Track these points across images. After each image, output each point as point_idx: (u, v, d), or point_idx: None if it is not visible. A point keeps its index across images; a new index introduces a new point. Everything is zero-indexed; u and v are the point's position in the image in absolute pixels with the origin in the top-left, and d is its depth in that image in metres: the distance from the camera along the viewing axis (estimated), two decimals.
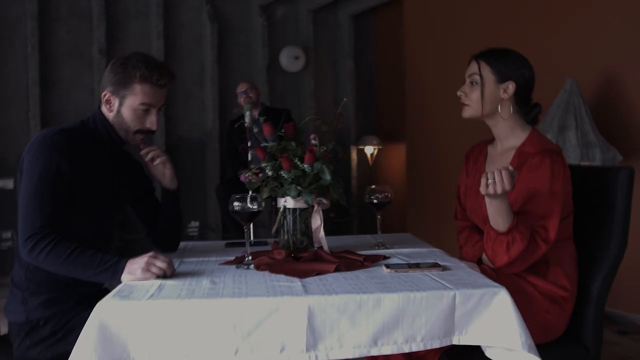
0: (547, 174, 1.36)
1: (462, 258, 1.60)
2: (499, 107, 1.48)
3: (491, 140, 1.61)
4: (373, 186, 1.64)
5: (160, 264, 1.24)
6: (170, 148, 4.50)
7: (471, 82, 1.50)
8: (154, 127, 1.46)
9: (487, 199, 1.34)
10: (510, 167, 1.30)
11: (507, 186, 1.28)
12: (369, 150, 4.96)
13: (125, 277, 1.24)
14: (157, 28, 4.39)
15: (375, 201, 1.63)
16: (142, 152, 1.52)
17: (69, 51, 4.21)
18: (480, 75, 1.48)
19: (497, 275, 1.39)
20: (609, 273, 1.43)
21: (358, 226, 5.05)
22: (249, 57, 4.77)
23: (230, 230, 4.44)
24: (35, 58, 4.02)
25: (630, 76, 2.73)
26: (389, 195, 1.62)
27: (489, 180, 1.29)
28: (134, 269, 1.24)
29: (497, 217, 1.34)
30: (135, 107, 1.42)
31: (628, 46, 2.74)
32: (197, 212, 4.59)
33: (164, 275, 1.24)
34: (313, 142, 1.45)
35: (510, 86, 1.47)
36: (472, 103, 1.49)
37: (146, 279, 1.23)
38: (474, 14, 3.62)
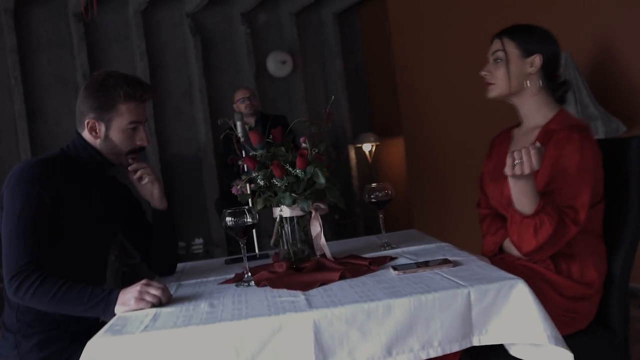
0: (576, 149, 1.28)
1: (483, 247, 1.52)
2: (526, 82, 1.40)
3: (517, 124, 1.54)
4: (373, 185, 1.56)
5: (155, 291, 1.17)
6: (165, 166, 4.44)
7: (495, 60, 1.43)
8: (145, 143, 1.41)
9: (511, 181, 1.26)
10: (537, 144, 1.22)
11: (535, 165, 1.20)
12: (367, 147, 4.89)
13: (118, 309, 1.17)
14: (140, 48, 4.33)
15: (374, 200, 1.56)
16: (131, 168, 1.45)
17: (53, 80, 4.16)
18: (505, 51, 1.41)
19: (516, 269, 1.30)
20: (630, 251, 1.35)
21: (364, 226, 4.97)
22: (235, 66, 4.71)
23: (234, 243, 4.37)
24: (19, 90, 3.97)
25: (625, 43, 2.65)
26: (389, 192, 1.55)
27: (516, 161, 1.21)
28: (126, 299, 1.16)
29: (523, 199, 1.26)
30: (124, 128, 1.37)
31: (619, 13, 2.66)
32: (200, 228, 4.52)
33: (159, 303, 1.17)
34: (303, 145, 1.37)
35: (537, 59, 1.39)
36: (497, 81, 1.42)
37: (141, 308, 1.16)
38: None
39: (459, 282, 1.10)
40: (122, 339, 0.99)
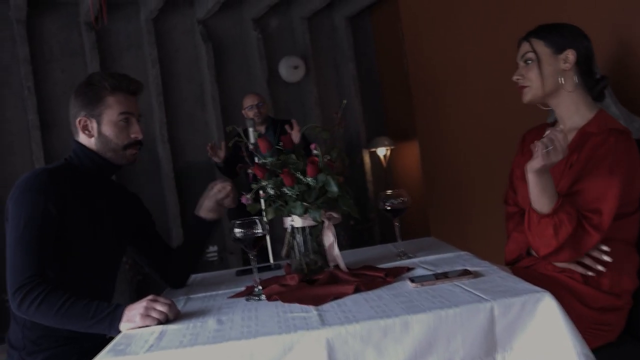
0: (609, 152, 1.22)
1: (508, 246, 1.46)
2: (561, 79, 1.34)
3: (552, 123, 1.47)
4: (387, 192, 1.51)
5: (161, 307, 1.13)
6: (179, 174, 4.43)
7: (525, 62, 1.37)
8: (139, 136, 1.37)
9: (532, 177, 1.20)
10: (559, 126, 1.18)
11: (566, 150, 1.17)
12: (381, 152, 4.83)
13: (124, 325, 1.13)
14: (152, 55, 4.34)
15: (389, 208, 1.50)
16: (217, 188, 1.45)
17: (66, 90, 4.18)
18: (535, 51, 1.35)
19: (538, 280, 1.24)
20: None
21: (380, 232, 4.90)
22: (247, 72, 4.69)
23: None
24: (33, 101, 4.00)
25: None
26: (405, 200, 1.49)
27: (548, 147, 1.15)
28: (132, 315, 1.12)
29: (543, 196, 1.20)
30: (115, 121, 1.34)
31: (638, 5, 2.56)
32: (214, 236, 4.50)
33: (166, 320, 1.13)
34: (315, 152, 1.32)
35: (570, 55, 1.33)
36: (531, 83, 1.36)
37: (146, 325, 1.12)
38: None
39: (481, 295, 1.04)
40: (126, 359, 0.95)
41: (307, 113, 4.84)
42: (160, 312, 1.12)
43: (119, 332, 1.13)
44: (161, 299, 1.15)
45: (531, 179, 1.21)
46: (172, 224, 4.31)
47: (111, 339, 1.33)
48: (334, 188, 1.28)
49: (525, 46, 1.38)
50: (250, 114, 3.35)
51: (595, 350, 1.01)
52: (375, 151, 4.87)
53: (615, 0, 2.61)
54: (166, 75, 4.40)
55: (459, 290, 1.09)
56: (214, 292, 1.39)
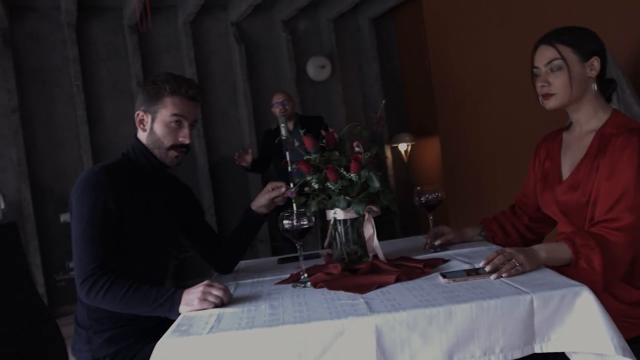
0: (635, 154, 1.18)
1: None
2: (589, 86, 1.29)
3: (566, 127, 1.43)
4: (423, 187, 1.50)
5: (217, 292, 1.15)
6: (213, 168, 4.48)
7: (552, 69, 1.29)
8: (186, 141, 1.37)
9: (546, 262, 1.18)
10: (508, 250, 1.14)
11: (524, 263, 1.12)
12: (403, 147, 4.80)
13: (182, 308, 1.15)
14: (189, 56, 4.39)
15: (424, 202, 1.49)
16: (272, 187, 1.49)
17: (110, 88, 4.26)
18: (563, 58, 1.27)
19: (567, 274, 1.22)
20: None
21: (400, 224, 4.89)
22: (277, 71, 4.71)
23: (277, 238, 4.36)
24: (81, 98, 4.08)
25: None
26: (440, 195, 1.48)
27: (516, 266, 1.12)
28: (190, 299, 1.15)
29: (561, 260, 1.18)
30: (167, 121, 1.35)
31: None
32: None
33: (221, 303, 1.15)
34: (357, 149, 1.32)
35: (596, 62, 1.28)
36: (559, 90, 1.28)
37: (204, 308, 1.14)
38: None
39: (520, 288, 1.03)
40: (190, 340, 0.97)
41: (333, 110, 4.84)
42: (216, 296, 1.14)
43: (178, 314, 1.15)
44: (216, 284, 1.17)
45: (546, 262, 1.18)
46: (207, 213, 4.37)
47: (167, 320, 1.37)
48: (376, 183, 1.28)
49: (550, 51, 1.29)
50: (276, 111, 3.35)
51: (627, 342, 0.99)
52: (397, 147, 4.84)
53: (635, 3, 2.54)
54: (202, 75, 4.45)
55: (499, 283, 1.08)
56: (260, 279, 1.40)
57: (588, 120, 1.33)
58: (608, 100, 1.35)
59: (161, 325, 1.32)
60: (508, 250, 1.15)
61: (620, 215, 1.17)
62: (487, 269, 1.13)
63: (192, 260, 4.23)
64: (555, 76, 1.29)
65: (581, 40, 1.29)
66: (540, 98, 1.33)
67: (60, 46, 4.08)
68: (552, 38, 1.31)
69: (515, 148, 3.01)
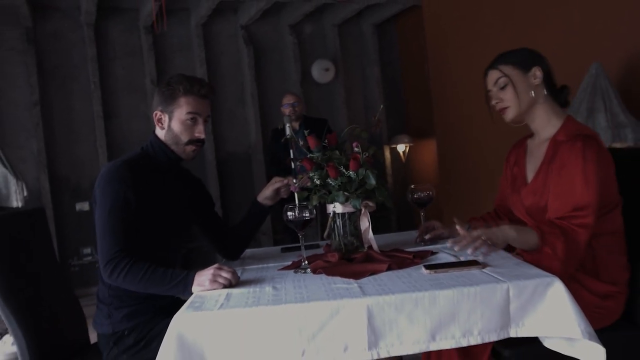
0: (579, 157, 1.26)
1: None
2: (533, 93, 1.39)
3: (531, 134, 1.52)
4: (416, 185, 1.58)
5: (226, 274, 1.24)
6: (220, 163, 4.56)
7: (500, 87, 1.41)
8: (202, 136, 1.46)
9: (513, 242, 1.27)
10: (475, 232, 1.23)
11: (494, 241, 1.22)
12: (401, 148, 4.87)
13: (195, 288, 1.24)
14: (200, 57, 4.47)
15: (416, 199, 1.58)
16: (276, 180, 1.58)
17: (125, 85, 4.34)
18: (505, 75, 1.39)
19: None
20: None
21: (396, 220, 4.97)
22: (283, 73, 4.78)
23: (280, 231, 4.45)
24: (97, 94, 4.17)
25: None
26: (431, 193, 1.56)
27: (482, 253, 1.21)
28: (202, 280, 1.23)
29: (527, 244, 1.26)
30: (183, 119, 1.43)
31: None
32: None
33: (230, 285, 1.23)
34: (356, 149, 1.41)
35: (537, 71, 1.39)
36: (510, 103, 1.40)
37: (214, 289, 1.22)
38: (491, 7, 3.49)
39: (498, 277, 1.11)
40: (202, 315, 1.06)
41: (335, 111, 4.91)
42: (225, 278, 1.23)
43: (191, 293, 1.24)
44: (225, 267, 1.25)
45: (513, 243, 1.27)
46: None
47: (178, 299, 1.46)
48: (373, 181, 1.36)
49: (494, 74, 1.41)
50: (286, 111, 3.41)
51: (595, 332, 1.06)
52: (395, 147, 4.91)
53: (628, 22, 2.61)
54: (212, 75, 4.52)
55: (479, 273, 1.17)
56: (265, 265, 1.49)
57: (544, 127, 1.42)
58: (565, 104, 1.43)
59: (174, 304, 1.41)
60: (475, 233, 1.22)
61: (577, 214, 1.25)
62: (456, 248, 1.21)
63: (199, 251, 4.32)
64: (504, 92, 1.40)
65: (519, 57, 1.41)
66: (497, 115, 1.44)
67: (80, 45, 4.17)
68: (495, 62, 1.44)
69: (506, 152, 3.09)
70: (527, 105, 1.40)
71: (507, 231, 1.25)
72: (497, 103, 1.42)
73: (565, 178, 1.27)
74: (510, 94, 1.39)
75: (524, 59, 1.40)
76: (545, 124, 1.42)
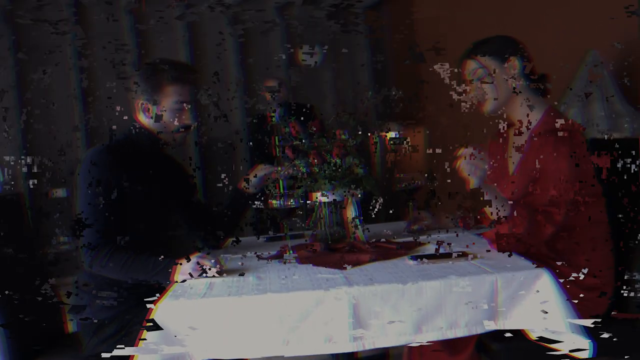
0: (550, 153, 1.29)
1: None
2: (512, 83, 1.41)
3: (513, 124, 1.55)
4: (402, 174, 1.60)
5: (209, 263, 1.25)
6: (204, 149, 4.54)
7: (477, 78, 1.43)
8: (189, 122, 1.48)
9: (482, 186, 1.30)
10: (470, 148, 1.26)
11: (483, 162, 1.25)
12: (391, 135, 4.90)
13: (178, 277, 1.25)
14: (183, 38, 4.43)
15: (403, 187, 1.60)
16: (260, 168, 1.59)
17: (106, 66, 4.27)
18: (483, 66, 1.41)
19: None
20: None
21: (385, 210, 5.01)
22: (269, 56, 4.76)
23: (262, 223, 4.46)
24: (76, 75, 4.11)
25: None
26: (419, 182, 1.59)
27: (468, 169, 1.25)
28: (185, 269, 1.24)
29: (495, 203, 1.30)
30: (171, 107, 1.44)
31: None
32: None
33: (212, 274, 1.24)
34: (343, 136, 1.42)
35: (515, 61, 1.40)
36: (489, 94, 1.42)
37: (197, 277, 1.23)
38: None
39: (486, 269, 1.14)
40: (184, 303, 1.07)
41: (322, 97, 4.92)
42: (208, 267, 1.24)
43: (174, 282, 1.24)
44: (208, 256, 1.26)
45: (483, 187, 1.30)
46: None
47: (160, 288, 1.46)
48: (360, 170, 1.38)
49: (471, 64, 1.43)
50: (267, 96, 3.38)
51: (582, 325, 1.10)
52: (385, 135, 4.94)
53: (622, 11, 2.63)
54: (195, 58, 4.48)
55: (467, 264, 1.19)
56: (248, 254, 1.50)
57: (523, 119, 1.44)
58: (545, 94, 1.45)
59: (155, 291, 1.41)
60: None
61: (548, 209, 1.28)
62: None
63: (180, 240, 4.30)
64: (481, 84, 1.42)
65: (496, 46, 1.42)
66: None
67: (60, 24, 4.09)
68: (471, 51, 1.45)
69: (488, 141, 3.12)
70: (505, 97, 1.42)
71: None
72: (475, 95, 1.45)
73: (537, 176, 1.31)
74: (488, 87, 1.42)
75: (500, 49, 1.41)
76: (523, 116, 1.44)
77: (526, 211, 1.29)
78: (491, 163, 1.56)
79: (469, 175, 1.25)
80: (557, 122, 1.36)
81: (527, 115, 1.42)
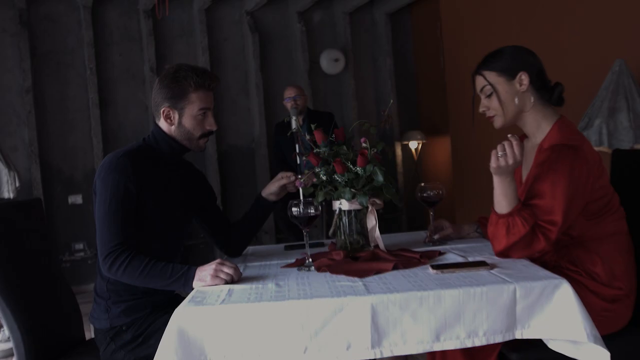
0: (549, 171, 1.32)
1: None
2: (516, 100, 1.43)
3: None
4: (425, 183, 1.64)
5: (228, 269, 1.30)
6: (221, 156, 4.64)
7: (486, 95, 1.47)
8: (214, 128, 1.53)
9: (496, 180, 1.33)
10: (516, 136, 1.30)
11: (518, 156, 1.28)
12: (413, 145, 4.92)
13: (196, 283, 1.30)
14: (202, 43, 4.53)
15: (425, 197, 1.63)
16: (282, 175, 1.63)
17: (123, 72, 4.42)
18: (490, 84, 1.45)
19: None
20: None
21: (407, 220, 5.02)
22: (290, 63, 4.84)
23: (283, 231, 4.52)
24: (93, 81, 4.25)
25: None
26: (441, 192, 1.62)
27: (499, 153, 1.29)
28: (203, 276, 1.29)
29: (503, 199, 1.32)
30: (195, 115, 1.49)
31: None
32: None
33: (231, 281, 1.30)
34: (364, 145, 1.46)
35: (524, 77, 1.42)
36: (497, 111, 1.46)
37: (216, 284, 1.29)
38: (511, 0, 3.52)
39: (505, 278, 1.17)
40: (204, 309, 1.12)
41: (344, 104, 4.97)
42: (227, 273, 1.29)
43: (192, 289, 1.30)
44: (227, 263, 1.32)
45: (495, 181, 1.33)
46: None
47: (178, 295, 1.52)
48: (380, 178, 1.42)
49: (480, 80, 1.46)
50: (288, 105, 3.46)
51: (603, 337, 1.11)
52: (407, 144, 4.96)
53: None
54: (214, 63, 4.59)
55: (486, 273, 1.22)
56: (267, 262, 1.55)
57: (534, 132, 1.48)
58: (560, 103, 1.47)
59: (173, 300, 1.48)
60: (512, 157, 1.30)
61: (546, 226, 1.30)
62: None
63: (197, 249, 4.40)
64: (490, 100, 1.46)
65: (504, 62, 1.44)
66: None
67: (76, 28, 4.25)
68: (479, 67, 1.48)
69: None
70: (514, 114, 1.45)
71: (509, 175, 1.31)
72: (484, 111, 1.49)
73: (537, 191, 1.33)
74: (496, 103, 1.45)
75: (509, 65, 1.43)
76: (535, 130, 1.47)
77: (532, 217, 1.31)
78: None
79: (499, 157, 1.29)
80: (563, 136, 1.39)
81: (537, 128, 1.45)
